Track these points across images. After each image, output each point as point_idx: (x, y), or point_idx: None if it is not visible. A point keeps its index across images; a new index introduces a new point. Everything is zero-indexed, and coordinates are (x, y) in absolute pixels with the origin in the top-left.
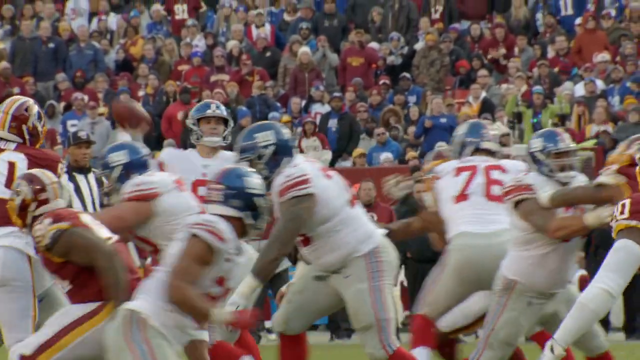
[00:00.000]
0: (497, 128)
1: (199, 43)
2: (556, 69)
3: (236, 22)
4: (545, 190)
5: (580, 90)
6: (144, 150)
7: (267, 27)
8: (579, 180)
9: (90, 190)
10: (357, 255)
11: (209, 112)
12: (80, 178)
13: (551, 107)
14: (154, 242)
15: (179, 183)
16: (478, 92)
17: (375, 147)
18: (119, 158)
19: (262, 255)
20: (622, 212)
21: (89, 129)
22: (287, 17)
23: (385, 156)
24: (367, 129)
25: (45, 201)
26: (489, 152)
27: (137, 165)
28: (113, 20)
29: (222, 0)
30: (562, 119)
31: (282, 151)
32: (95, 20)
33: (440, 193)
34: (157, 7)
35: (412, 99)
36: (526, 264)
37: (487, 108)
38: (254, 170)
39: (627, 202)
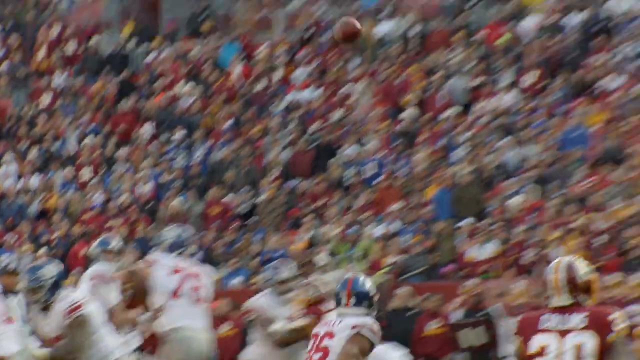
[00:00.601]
0: (321, 259)
1: (99, 197)
2: (363, 215)
3: (127, 181)
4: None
5: (380, 230)
6: None
7: (150, 185)
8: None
9: (19, 308)
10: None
11: (110, 247)
12: (11, 299)
13: (361, 243)
14: None
15: (8, 321)
16: (306, 233)
17: (230, 274)
18: None
19: None
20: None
21: (16, 262)
22: (165, 176)
23: (237, 280)
24: (224, 260)
25: None
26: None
27: None
28: (35, 181)
29: (116, 166)
30: (367, 252)
31: (58, 284)
32: (21, 180)
33: (155, 281)
34: (68, 169)
35: (257, 237)
36: (267, 349)
37: (313, 244)
38: (39, 295)
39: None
